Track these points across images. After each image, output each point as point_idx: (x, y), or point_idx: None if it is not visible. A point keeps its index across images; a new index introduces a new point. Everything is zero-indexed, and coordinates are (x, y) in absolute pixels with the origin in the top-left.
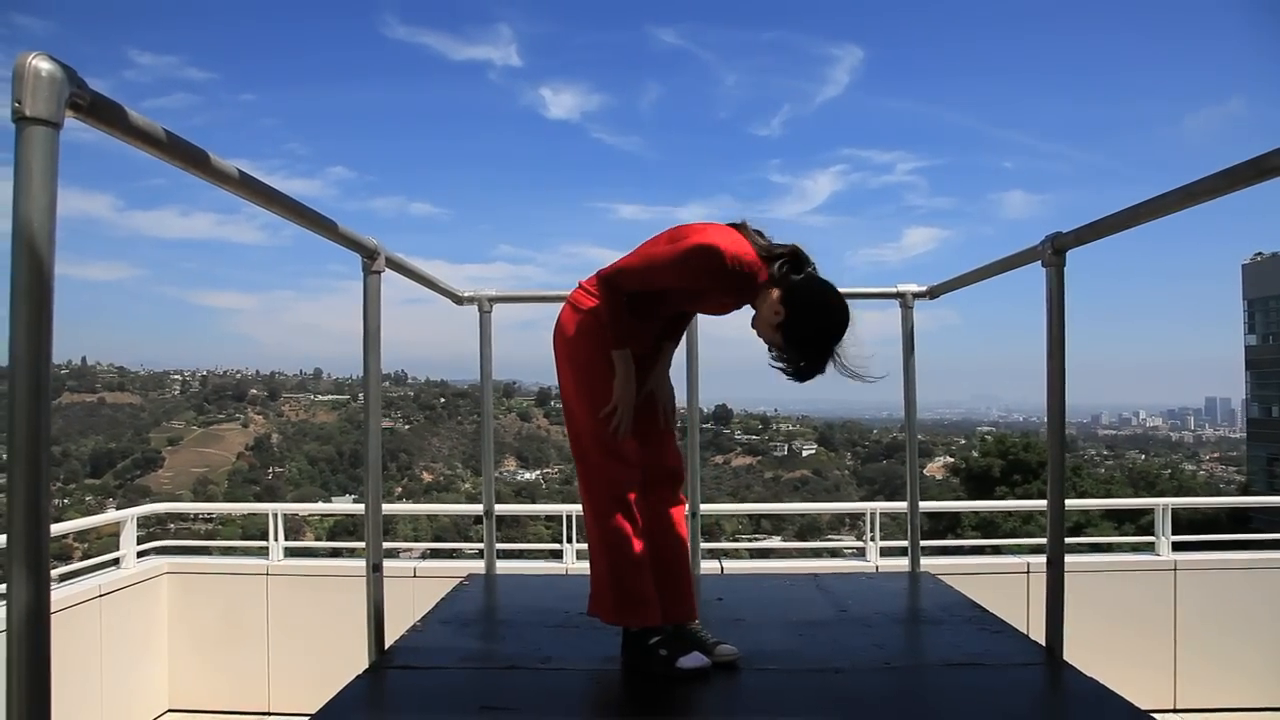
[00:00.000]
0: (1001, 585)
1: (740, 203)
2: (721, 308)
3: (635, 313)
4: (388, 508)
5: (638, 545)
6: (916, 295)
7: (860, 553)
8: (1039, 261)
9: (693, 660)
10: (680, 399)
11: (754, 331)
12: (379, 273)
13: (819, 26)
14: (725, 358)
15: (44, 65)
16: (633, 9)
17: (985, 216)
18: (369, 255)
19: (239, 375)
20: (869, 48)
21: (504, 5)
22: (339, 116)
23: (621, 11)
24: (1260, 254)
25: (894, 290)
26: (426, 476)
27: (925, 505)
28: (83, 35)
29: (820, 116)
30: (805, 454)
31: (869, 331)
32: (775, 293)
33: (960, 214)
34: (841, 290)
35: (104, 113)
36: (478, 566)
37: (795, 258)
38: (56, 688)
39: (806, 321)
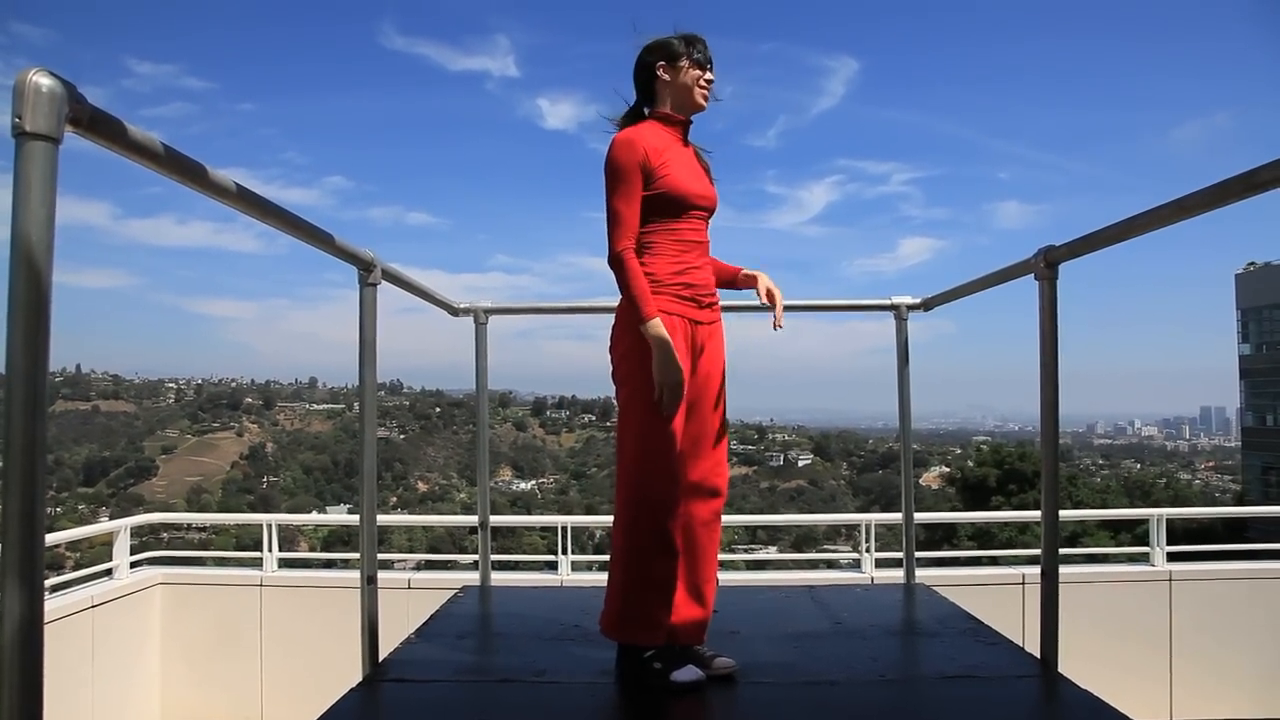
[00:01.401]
0: (997, 596)
1: (736, 213)
2: (692, 163)
3: (671, 257)
4: (382, 519)
5: (662, 568)
6: (910, 307)
7: (856, 564)
8: (1032, 274)
9: (687, 674)
10: None
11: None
12: (375, 285)
13: (814, 38)
14: None
15: (44, 81)
16: (628, 20)
17: (980, 227)
18: (365, 267)
19: (234, 384)
20: (864, 59)
21: (502, 16)
22: (337, 126)
23: (618, 23)
24: (1253, 263)
25: (888, 302)
26: (422, 486)
27: (921, 516)
28: (82, 44)
29: (816, 128)
30: (801, 464)
31: (865, 342)
32: (657, 82)
33: (955, 224)
34: (836, 302)
35: (103, 128)
36: (472, 578)
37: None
38: (47, 699)
39: (672, 43)
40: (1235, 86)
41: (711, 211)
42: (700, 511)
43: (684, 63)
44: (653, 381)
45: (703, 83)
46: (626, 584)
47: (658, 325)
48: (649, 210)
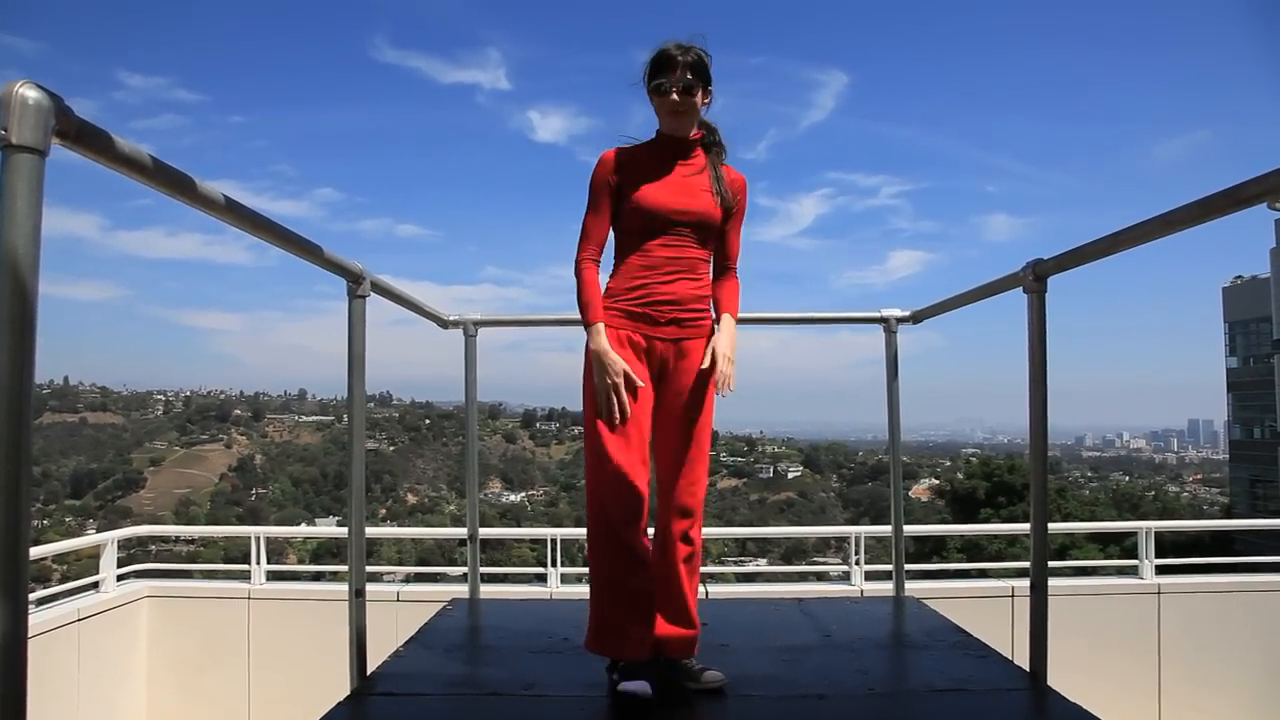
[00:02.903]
0: (986, 609)
1: None
2: (679, 179)
3: (630, 267)
4: (371, 531)
5: (627, 581)
6: (900, 320)
7: (845, 576)
8: (1020, 288)
9: (632, 686)
10: None
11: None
12: (364, 297)
13: (805, 52)
14: None
15: (30, 94)
16: (619, 33)
17: (969, 239)
18: (354, 280)
19: (223, 396)
20: (854, 73)
21: (493, 29)
22: (328, 138)
23: (608, 36)
24: (1240, 277)
25: (877, 315)
26: (411, 498)
27: (910, 529)
28: (73, 56)
29: (806, 141)
30: (791, 476)
31: (855, 354)
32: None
33: (944, 237)
34: (826, 314)
35: (90, 140)
36: (461, 590)
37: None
38: (32, 714)
39: (646, 66)
40: (1218, 104)
41: (702, 226)
42: (673, 529)
43: (652, 89)
44: (590, 395)
45: (666, 107)
46: (597, 597)
47: (595, 332)
48: (623, 226)
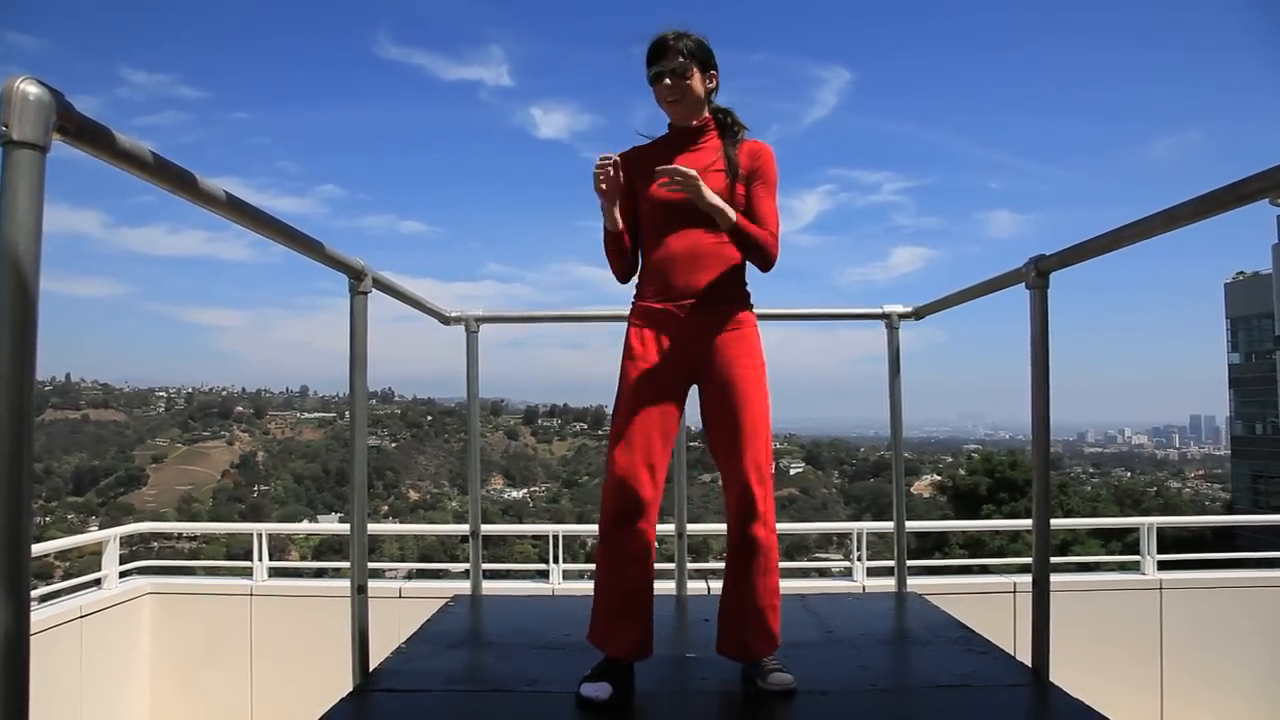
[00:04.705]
0: (988, 605)
1: None
2: (692, 166)
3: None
4: (373, 528)
5: (610, 575)
6: (902, 316)
7: (848, 572)
8: (1023, 283)
9: (591, 690)
10: None
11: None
12: (366, 293)
13: (807, 49)
14: None
15: (31, 89)
16: (622, 30)
17: (972, 236)
18: (356, 276)
19: (225, 393)
20: (856, 69)
21: (496, 26)
22: (330, 135)
23: (611, 33)
24: (1242, 273)
25: (879, 311)
26: (413, 495)
27: (912, 525)
28: (76, 53)
29: (808, 137)
30: (793, 472)
31: (857, 351)
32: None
33: (947, 233)
34: (827, 311)
35: (91, 136)
36: (463, 587)
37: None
38: (35, 711)
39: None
40: (1211, 104)
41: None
42: (736, 532)
43: (650, 79)
44: (620, 390)
45: (662, 94)
46: (596, 591)
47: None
48: (641, 224)
